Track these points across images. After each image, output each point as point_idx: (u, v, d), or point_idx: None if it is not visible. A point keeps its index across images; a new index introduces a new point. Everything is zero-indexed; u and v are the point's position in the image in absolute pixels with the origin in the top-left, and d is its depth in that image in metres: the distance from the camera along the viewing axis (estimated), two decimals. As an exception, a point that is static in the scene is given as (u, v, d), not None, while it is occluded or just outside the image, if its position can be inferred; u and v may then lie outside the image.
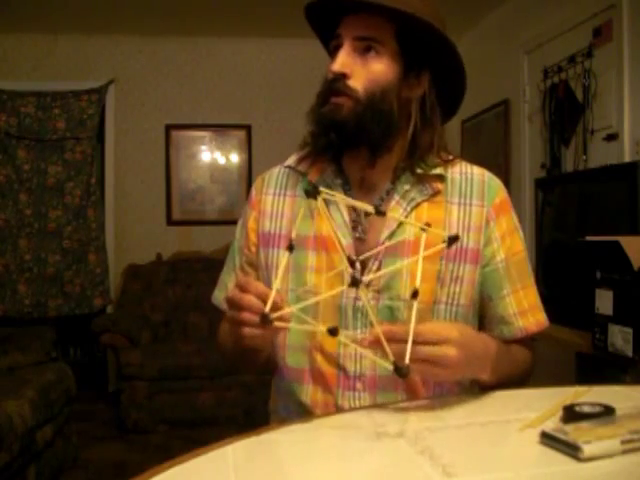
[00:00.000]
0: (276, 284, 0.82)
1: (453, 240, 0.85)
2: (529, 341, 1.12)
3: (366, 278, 0.91)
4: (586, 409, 0.73)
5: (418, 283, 0.82)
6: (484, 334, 1.03)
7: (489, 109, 3.96)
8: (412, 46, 1.01)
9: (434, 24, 0.98)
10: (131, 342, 3.70)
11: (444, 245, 0.85)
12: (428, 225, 0.85)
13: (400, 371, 0.74)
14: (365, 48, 1.00)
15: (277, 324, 0.80)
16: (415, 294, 0.80)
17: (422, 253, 0.81)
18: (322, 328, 0.79)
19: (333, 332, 0.77)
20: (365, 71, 1.00)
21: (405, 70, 1.02)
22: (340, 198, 0.92)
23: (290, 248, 0.86)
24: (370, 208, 0.85)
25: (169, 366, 3.59)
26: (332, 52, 1.04)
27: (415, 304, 0.80)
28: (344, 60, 0.99)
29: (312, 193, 0.82)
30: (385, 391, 1.02)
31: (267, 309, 0.79)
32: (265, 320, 0.78)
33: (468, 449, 0.71)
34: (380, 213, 0.85)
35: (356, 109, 0.99)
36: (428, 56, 1.03)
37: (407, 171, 1.05)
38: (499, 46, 3.89)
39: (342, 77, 0.99)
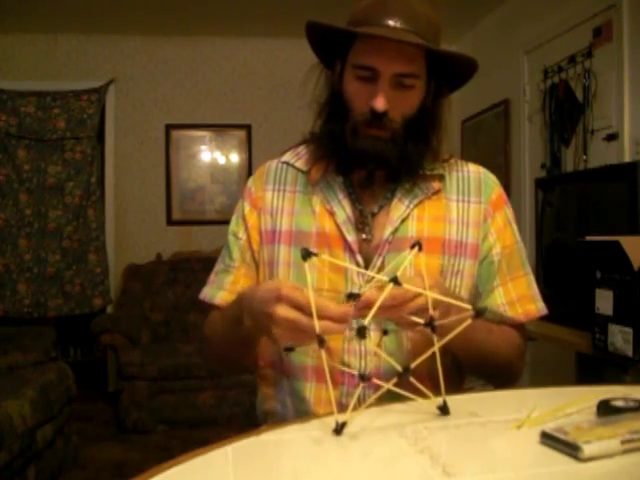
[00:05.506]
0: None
1: (416, 245, 0.85)
2: (522, 330, 1.13)
3: (367, 321, 0.78)
4: (619, 404, 0.75)
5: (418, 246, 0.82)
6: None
7: (489, 109, 3.96)
8: (438, 67, 1.03)
9: (472, 59, 1.02)
10: (131, 342, 3.70)
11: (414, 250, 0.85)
12: (418, 243, 0.85)
13: (360, 332, 0.75)
14: (403, 82, 0.99)
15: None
16: (416, 245, 0.82)
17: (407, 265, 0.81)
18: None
19: (321, 342, 0.76)
20: (403, 103, 1.01)
21: (428, 84, 1.04)
22: (328, 260, 0.91)
23: (305, 257, 0.80)
24: (368, 272, 0.87)
25: (169, 366, 3.59)
26: (354, 77, 1.01)
27: (414, 251, 0.82)
28: (386, 98, 0.98)
29: (304, 256, 0.79)
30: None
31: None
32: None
33: (468, 449, 0.71)
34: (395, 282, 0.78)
35: (396, 140, 1.01)
36: (452, 74, 1.05)
37: (409, 169, 1.06)
38: (499, 46, 3.88)
39: (383, 114, 0.99)
